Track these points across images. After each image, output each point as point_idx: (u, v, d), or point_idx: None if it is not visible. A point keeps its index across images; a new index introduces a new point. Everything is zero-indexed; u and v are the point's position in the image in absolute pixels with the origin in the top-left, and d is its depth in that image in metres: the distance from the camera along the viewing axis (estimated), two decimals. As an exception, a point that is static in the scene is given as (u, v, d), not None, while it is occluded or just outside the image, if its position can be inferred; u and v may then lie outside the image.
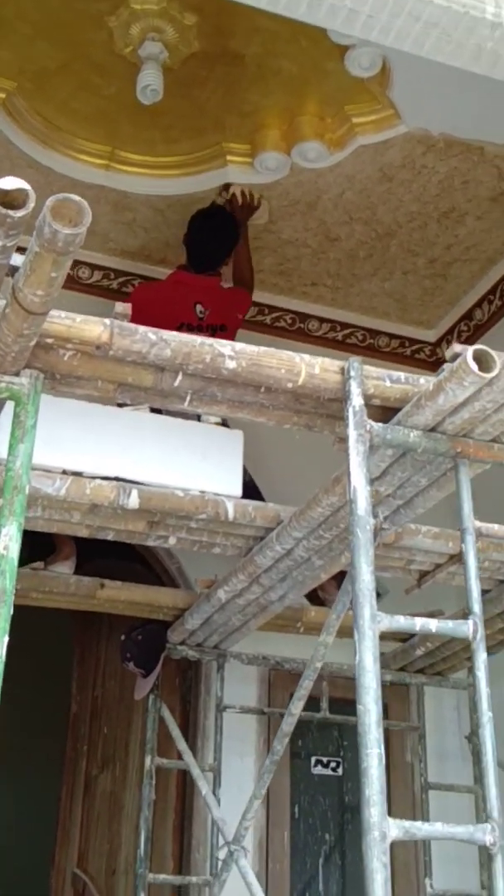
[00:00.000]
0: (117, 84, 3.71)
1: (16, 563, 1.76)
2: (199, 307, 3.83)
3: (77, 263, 4.45)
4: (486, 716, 1.80)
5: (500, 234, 4.33)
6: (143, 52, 3.50)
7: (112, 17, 3.48)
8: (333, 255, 4.49)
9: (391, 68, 3.56)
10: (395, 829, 1.66)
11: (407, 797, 3.90)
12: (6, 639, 1.68)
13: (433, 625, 1.87)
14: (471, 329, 4.68)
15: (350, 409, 1.99)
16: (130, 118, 3.90)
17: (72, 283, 4.37)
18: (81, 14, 3.48)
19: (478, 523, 2.01)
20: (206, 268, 3.99)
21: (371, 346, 4.78)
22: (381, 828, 1.64)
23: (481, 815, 1.93)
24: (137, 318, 3.82)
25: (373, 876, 1.62)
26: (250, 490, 3.49)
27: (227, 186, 4.10)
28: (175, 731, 3.50)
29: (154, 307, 3.83)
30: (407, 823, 1.68)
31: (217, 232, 4.02)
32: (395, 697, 4.01)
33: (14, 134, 3.90)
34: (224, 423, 2.92)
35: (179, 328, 3.66)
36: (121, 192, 4.18)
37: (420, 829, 1.71)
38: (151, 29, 3.48)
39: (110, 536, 2.80)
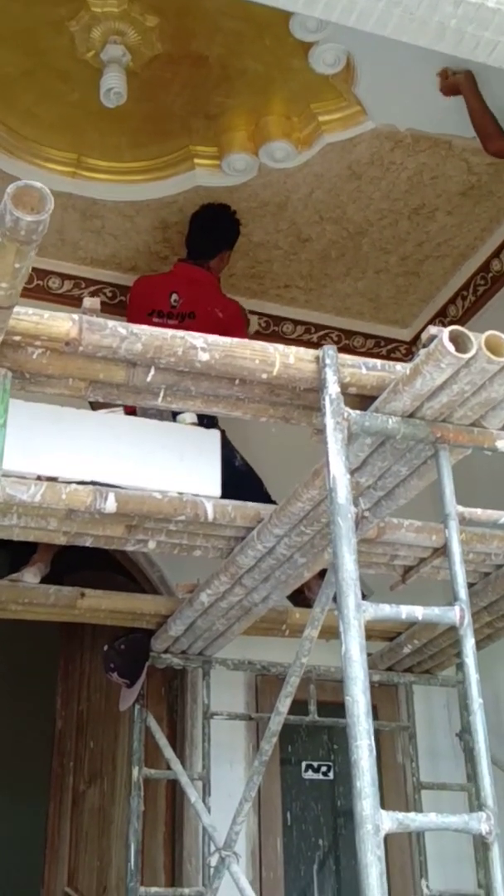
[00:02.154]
0: (81, 90, 3.68)
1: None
2: (174, 296, 3.82)
3: (47, 273, 4.41)
4: (476, 702, 1.76)
5: (472, 228, 4.33)
6: (105, 55, 3.47)
7: (73, 22, 3.45)
8: (305, 255, 4.47)
9: (356, 65, 3.55)
10: (389, 821, 1.62)
11: (400, 798, 3.86)
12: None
13: (419, 612, 1.83)
14: (445, 326, 4.66)
15: (327, 398, 1.95)
16: (96, 124, 3.88)
17: (42, 293, 4.34)
18: (42, 20, 3.46)
19: (460, 508, 1.98)
20: (196, 256, 3.98)
21: (346, 346, 4.76)
22: (375, 820, 1.60)
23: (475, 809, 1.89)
24: (130, 309, 3.84)
25: (367, 870, 1.58)
26: (244, 475, 3.47)
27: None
28: (162, 741, 3.45)
29: (139, 298, 3.95)
30: (400, 815, 1.64)
31: (207, 222, 4.02)
32: (383, 698, 3.98)
33: (-22, 144, 3.87)
34: (210, 420, 2.88)
35: (150, 315, 3.66)
36: (88, 200, 4.15)
37: (414, 820, 1.68)
38: (113, 32, 3.46)
39: (89, 542, 2.75)
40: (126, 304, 4.22)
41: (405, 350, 4.90)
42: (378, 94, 3.67)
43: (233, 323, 3.78)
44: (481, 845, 3.62)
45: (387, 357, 4.84)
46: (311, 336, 4.78)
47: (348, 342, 4.82)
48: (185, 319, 3.68)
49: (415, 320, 4.87)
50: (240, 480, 3.04)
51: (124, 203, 4.17)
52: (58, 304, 4.31)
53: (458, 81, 3.51)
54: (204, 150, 4.01)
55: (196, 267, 3.94)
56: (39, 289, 4.35)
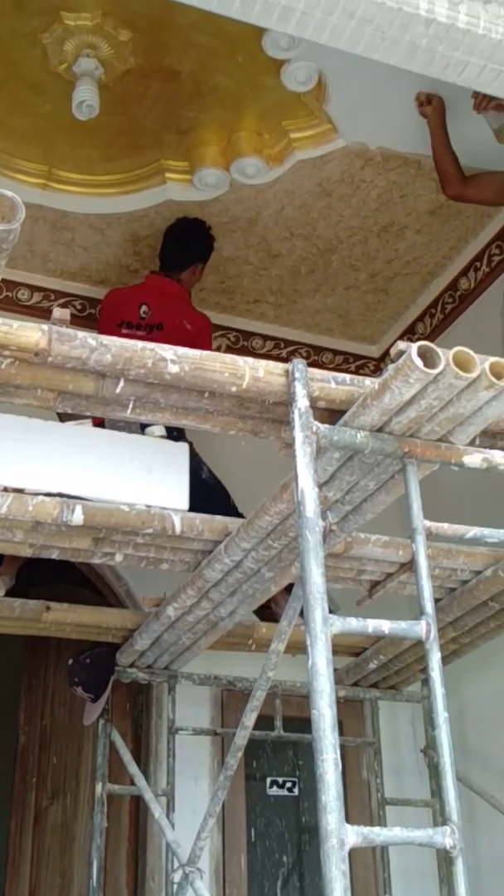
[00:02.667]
0: (53, 102, 3.69)
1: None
2: (143, 307, 3.82)
3: (16, 285, 4.40)
4: (441, 716, 1.76)
5: (440, 247, 4.38)
6: (77, 68, 3.48)
7: (46, 34, 3.45)
8: (275, 271, 4.49)
9: (327, 83, 3.58)
10: (354, 835, 1.61)
11: (364, 813, 3.85)
12: None
13: (386, 626, 1.83)
14: (414, 342, 4.69)
15: (296, 411, 1.96)
16: (67, 137, 3.88)
17: (11, 304, 4.33)
18: (14, 32, 3.45)
19: (428, 523, 1.99)
20: (167, 268, 4.00)
21: (315, 362, 4.77)
22: (340, 834, 1.60)
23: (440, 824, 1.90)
24: (101, 321, 3.84)
25: (332, 885, 1.57)
26: (211, 487, 3.47)
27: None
28: (126, 756, 3.42)
29: (110, 309, 3.97)
30: (365, 829, 1.64)
31: (181, 235, 4.04)
32: (349, 713, 3.98)
33: None
34: (178, 433, 2.88)
35: (119, 326, 3.66)
36: (59, 212, 4.14)
37: (379, 834, 1.67)
38: (86, 45, 3.46)
39: (55, 555, 2.73)
40: (96, 316, 4.23)
41: (374, 366, 4.93)
42: (349, 113, 3.70)
43: (201, 336, 3.79)
44: (444, 861, 3.66)
45: (355, 373, 4.86)
46: (280, 351, 4.80)
47: (317, 358, 4.84)
48: (154, 331, 3.69)
49: (383, 337, 4.91)
50: (207, 493, 3.03)
51: (95, 216, 4.17)
52: (27, 316, 4.28)
53: (427, 113, 3.60)
54: (175, 164, 4.02)
55: (167, 279, 3.95)
56: (8, 300, 4.34)
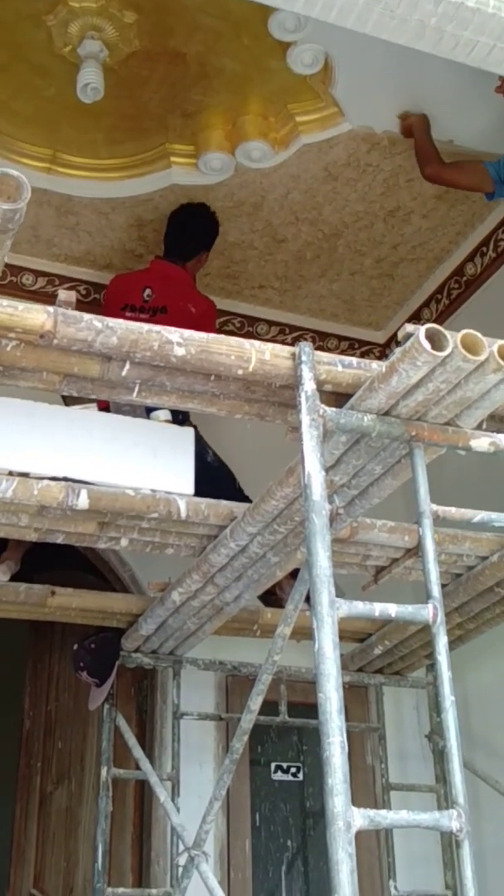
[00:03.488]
0: (58, 85, 3.66)
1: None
2: (147, 291, 3.82)
3: (21, 270, 4.38)
4: (448, 699, 1.76)
5: (446, 232, 4.35)
6: (82, 50, 3.45)
7: (50, 16, 3.43)
8: (280, 256, 4.47)
9: (333, 66, 3.56)
10: (360, 818, 1.61)
11: (369, 799, 3.85)
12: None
13: (393, 610, 1.82)
14: (421, 327, 4.69)
15: (302, 394, 1.95)
16: (72, 120, 3.85)
17: (16, 289, 4.31)
18: (19, 13, 3.43)
19: (434, 506, 1.98)
20: (174, 255, 3.98)
21: (320, 348, 4.67)
22: (346, 817, 1.59)
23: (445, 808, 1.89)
24: (105, 306, 3.82)
25: (338, 867, 1.57)
26: (216, 470, 3.47)
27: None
28: (131, 741, 3.43)
29: (115, 294, 3.95)
30: (371, 812, 1.64)
31: (188, 223, 4.02)
32: (354, 699, 3.97)
33: (-48, 137, 3.83)
34: (183, 416, 2.87)
35: (123, 309, 3.66)
36: (64, 196, 4.12)
37: (385, 817, 1.67)
38: (90, 27, 3.44)
39: (60, 539, 2.73)
40: (101, 302, 4.21)
41: (379, 352, 4.91)
42: (355, 96, 3.68)
43: (205, 319, 3.79)
44: (449, 846, 3.67)
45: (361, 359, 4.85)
46: (285, 337, 4.78)
47: (322, 344, 4.82)
48: (157, 314, 3.68)
49: (389, 323, 4.89)
50: (212, 476, 3.03)
51: (100, 200, 4.15)
52: (31, 301, 4.22)
53: (413, 123, 3.71)
54: (180, 148, 3.99)
55: (172, 264, 3.94)
56: (13, 285, 4.32)
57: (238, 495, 3.13)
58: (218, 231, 4.12)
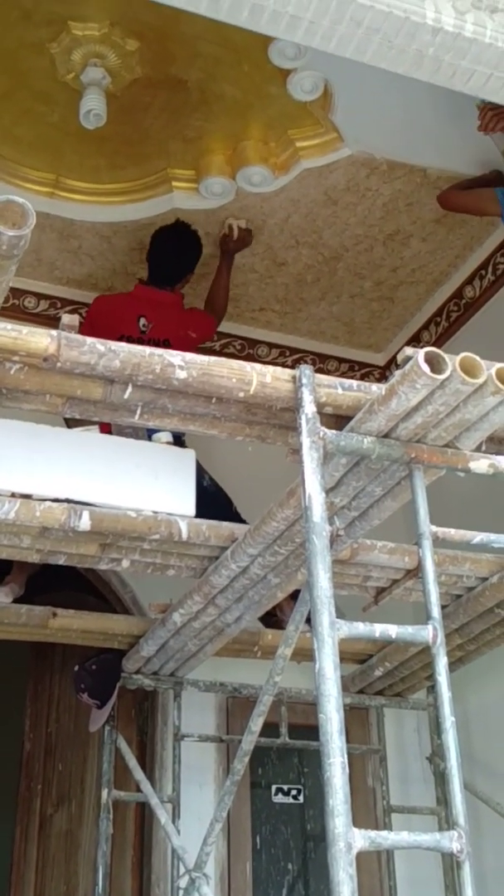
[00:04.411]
0: (61, 111, 3.71)
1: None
2: (142, 320, 3.82)
3: (23, 293, 4.42)
4: (448, 720, 1.77)
5: (445, 255, 4.39)
6: (85, 77, 3.50)
7: (54, 44, 3.48)
8: (281, 279, 4.51)
9: (333, 92, 3.61)
10: (361, 839, 1.62)
11: (370, 821, 3.84)
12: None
13: (393, 631, 1.84)
14: (420, 350, 4.72)
15: (303, 417, 1.97)
16: (75, 146, 3.90)
17: (18, 312, 4.34)
18: (23, 41, 3.48)
19: (434, 528, 2.00)
20: (163, 282, 3.99)
21: (320, 370, 4.69)
22: (347, 838, 1.60)
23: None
24: (89, 328, 3.82)
25: (339, 888, 1.57)
26: (213, 494, 3.48)
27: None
28: (132, 762, 3.42)
29: (102, 319, 3.90)
30: (373, 833, 1.64)
31: (178, 248, 4.03)
32: (355, 721, 3.97)
33: (-44, 163, 3.88)
34: (179, 439, 2.89)
35: (119, 339, 3.66)
36: (66, 220, 4.16)
37: (386, 838, 1.68)
38: (93, 55, 3.49)
39: (62, 561, 2.74)
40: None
41: (379, 375, 4.94)
42: (355, 122, 3.73)
43: (205, 333, 3.88)
44: (450, 868, 3.65)
45: (360, 381, 4.87)
46: (285, 359, 4.82)
47: (322, 366, 4.85)
48: (160, 347, 3.68)
49: (388, 345, 4.92)
50: (209, 500, 3.03)
51: (102, 224, 4.19)
52: (34, 323, 4.28)
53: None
54: (182, 173, 4.04)
55: (161, 290, 3.96)
56: (15, 308, 4.35)
57: (235, 519, 3.14)
58: (201, 250, 4.13)
